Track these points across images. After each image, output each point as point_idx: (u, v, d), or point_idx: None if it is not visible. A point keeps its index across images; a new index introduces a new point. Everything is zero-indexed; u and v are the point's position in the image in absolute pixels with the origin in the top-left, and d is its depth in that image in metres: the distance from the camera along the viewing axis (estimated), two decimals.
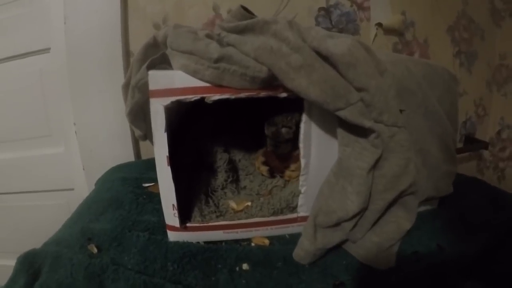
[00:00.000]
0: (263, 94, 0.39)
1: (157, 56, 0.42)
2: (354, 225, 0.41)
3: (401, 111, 0.42)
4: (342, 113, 0.37)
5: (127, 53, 0.75)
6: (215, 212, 0.47)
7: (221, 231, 0.46)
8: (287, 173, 0.52)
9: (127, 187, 0.59)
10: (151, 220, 0.49)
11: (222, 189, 0.52)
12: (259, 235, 0.46)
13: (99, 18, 0.71)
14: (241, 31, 0.40)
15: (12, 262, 0.41)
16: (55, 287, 0.37)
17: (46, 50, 0.76)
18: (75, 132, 0.77)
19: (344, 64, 0.36)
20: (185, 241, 0.45)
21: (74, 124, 0.77)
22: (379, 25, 0.86)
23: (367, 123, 0.38)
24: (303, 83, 0.36)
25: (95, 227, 0.47)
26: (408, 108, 0.45)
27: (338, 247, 0.43)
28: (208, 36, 0.42)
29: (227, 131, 0.57)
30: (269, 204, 0.47)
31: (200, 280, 0.39)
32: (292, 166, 0.51)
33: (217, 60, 0.37)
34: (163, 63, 0.43)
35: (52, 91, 0.78)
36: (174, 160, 0.42)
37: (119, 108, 0.74)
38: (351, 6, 0.83)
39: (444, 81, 0.52)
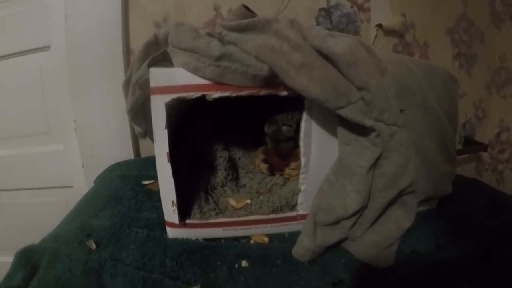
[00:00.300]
0: (263, 92, 0.40)
1: (158, 53, 0.42)
2: (353, 224, 0.41)
3: (401, 110, 0.42)
4: (342, 112, 0.37)
5: (127, 52, 0.75)
6: (215, 209, 0.47)
7: (220, 228, 0.46)
8: (287, 171, 0.52)
9: (126, 184, 0.59)
10: (150, 217, 0.49)
11: (222, 186, 0.52)
12: (258, 233, 0.46)
13: (100, 16, 0.71)
14: (242, 29, 0.40)
15: (9, 259, 0.41)
16: (53, 282, 0.37)
17: (46, 48, 0.76)
18: (75, 129, 0.77)
19: (345, 63, 0.37)
20: (184, 238, 0.45)
21: (74, 121, 0.77)
22: (379, 26, 0.86)
23: (368, 122, 0.38)
24: (304, 82, 0.36)
25: (94, 223, 0.47)
26: (408, 108, 0.45)
27: (337, 245, 0.43)
28: (209, 34, 0.42)
29: (227, 129, 0.58)
30: (269, 202, 0.47)
31: (199, 277, 0.39)
32: (292, 164, 0.51)
33: (219, 58, 0.37)
34: (164, 61, 0.43)
35: (52, 89, 0.78)
36: (174, 157, 0.42)
37: (119, 106, 0.74)
38: (352, 7, 0.84)
39: (444, 82, 0.52)
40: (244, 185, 0.54)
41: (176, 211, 0.43)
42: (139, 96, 0.45)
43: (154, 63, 0.42)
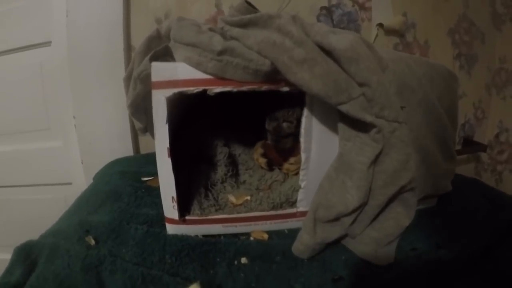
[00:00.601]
0: (265, 87, 0.39)
1: (160, 48, 0.42)
2: (353, 220, 0.41)
3: (401, 107, 0.42)
4: (344, 107, 0.37)
5: (128, 48, 0.75)
6: (214, 205, 0.47)
7: (220, 225, 0.45)
8: (286, 165, 0.52)
9: (125, 180, 0.59)
10: (149, 213, 0.49)
11: (222, 183, 0.52)
12: (258, 230, 0.46)
13: (101, 12, 0.71)
14: (244, 25, 0.40)
15: (7, 256, 0.41)
16: (51, 278, 0.37)
17: (47, 43, 0.76)
18: (75, 125, 0.77)
19: (346, 58, 0.37)
20: (184, 234, 0.45)
21: (74, 117, 0.76)
22: (380, 25, 0.86)
23: (369, 118, 0.38)
24: (305, 77, 0.36)
25: (93, 219, 0.47)
26: (408, 105, 0.45)
27: (337, 242, 0.43)
28: (211, 30, 0.42)
29: (227, 126, 0.57)
30: (269, 198, 0.47)
31: (198, 273, 0.39)
32: (291, 159, 0.51)
33: (221, 53, 0.37)
34: (166, 55, 0.43)
35: (52, 85, 0.78)
36: (174, 152, 0.41)
37: (119, 103, 0.74)
38: (353, 6, 0.84)
39: (444, 80, 0.52)
40: (244, 182, 0.54)
41: (176, 207, 0.43)
42: (140, 91, 0.44)
43: (155, 58, 0.41)
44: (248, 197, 0.48)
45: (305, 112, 0.41)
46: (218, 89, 0.39)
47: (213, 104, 0.48)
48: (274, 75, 0.38)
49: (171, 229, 0.45)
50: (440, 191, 0.52)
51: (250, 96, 0.40)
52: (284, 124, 0.47)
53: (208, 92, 0.39)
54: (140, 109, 0.48)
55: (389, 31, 0.87)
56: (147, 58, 0.42)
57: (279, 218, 0.46)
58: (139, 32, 0.75)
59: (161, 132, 0.40)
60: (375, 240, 0.42)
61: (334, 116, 0.41)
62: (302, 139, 0.42)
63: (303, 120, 0.41)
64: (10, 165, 0.85)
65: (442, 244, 0.44)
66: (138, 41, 0.75)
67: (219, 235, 0.45)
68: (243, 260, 0.41)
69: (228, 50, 0.37)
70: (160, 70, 0.39)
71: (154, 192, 0.54)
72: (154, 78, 0.39)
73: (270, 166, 0.54)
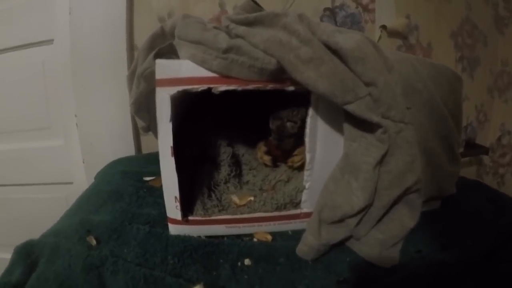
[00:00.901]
0: (270, 86, 0.39)
1: (164, 45, 0.42)
2: (358, 222, 0.41)
3: (407, 108, 0.42)
4: (350, 107, 0.37)
5: (131, 47, 0.75)
6: (218, 206, 0.47)
7: (223, 226, 0.45)
8: (290, 158, 0.51)
9: (127, 180, 0.59)
10: (151, 213, 0.48)
11: (225, 183, 0.51)
12: (261, 231, 0.46)
13: (104, 11, 0.71)
14: (250, 23, 0.39)
15: (8, 255, 0.40)
16: (52, 278, 0.37)
17: (49, 42, 0.76)
18: (76, 124, 0.77)
19: (353, 58, 0.36)
20: (186, 234, 0.44)
21: (75, 116, 0.76)
22: (384, 27, 0.86)
23: (375, 118, 0.37)
24: (312, 76, 0.36)
25: (94, 219, 0.47)
26: (413, 106, 0.44)
27: (342, 243, 0.43)
28: (216, 28, 0.41)
29: (231, 125, 0.57)
30: (273, 199, 0.46)
31: (201, 275, 0.38)
32: (296, 151, 0.50)
33: (226, 51, 0.37)
34: (170, 53, 0.42)
35: (54, 83, 0.78)
36: (177, 152, 0.41)
37: (121, 102, 0.74)
38: (356, 7, 0.84)
39: (448, 81, 0.52)
40: (247, 182, 0.53)
41: (179, 207, 0.43)
42: (144, 89, 0.44)
43: (160, 55, 0.41)
44: (252, 198, 0.47)
45: (310, 112, 0.41)
46: (223, 88, 0.38)
47: (216, 103, 0.47)
48: (279, 74, 0.38)
49: (173, 229, 0.44)
50: (445, 193, 0.52)
51: (254, 95, 0.40)
52: (288, 124, 0.46)
53: (213, 91, 0.38)
54: (143, 108, 0.48)
55: (392, 33, 0.87)
56: (151, 55, 0.41)
57: (283, 219, 0.46)
58: (142, 31, 0.75)
59: (164, 131, 0.40)
60: (380, 241, 0.42)
61: (339, 116, 0.41)
62: (307, 139, 0.42)
63: (308, 120, 0.41)
64: (11, 164, 0.84)
65: (447, 246, 0.44)
66: (141, 40, 0.75)
67: (222, 236, 0.45)
68: (247, 261, 0.40)
69: (234, 48, 0.37)
70: (164, 68, 0.38)
71: (156, 192, 0.54)
72: (158, 75, 0.38)
73: (275, 163, 0.54)
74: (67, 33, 0.71)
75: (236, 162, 0.55)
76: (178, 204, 0.43)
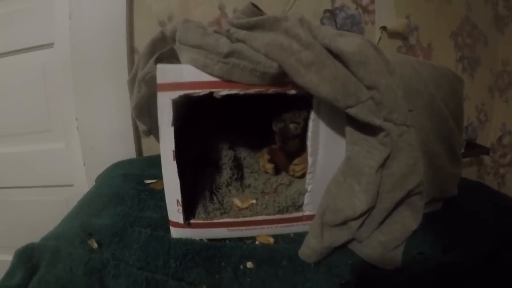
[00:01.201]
0: (272, 90, 0.39)
1: (165, 50, 0.42)
2: (360, 224, 0.41)
3: (409, 111, 0.42)
4: (352, 111, 0.37)
5: (131, 50, 0.75)
6: (220, 209, 0.47)
7: (225, 229, 0.45)
8: (291, 167, 0.51)
9: (128, 183, 0.59)
10: (153, 216, 0.48)
11: (227, 186, 0.51)
12: (263, 233, 0.46)
13: (104, 15, 0.71)
14: (251, 27, 0.39)
15: (8, 257, 0.40)
16: (53, 282, 0.37)
17: (49, 45, 0.76)
18: (77, 127, 0.77)
19: (354, 62, 0.36)
20: (188, 238, 0.44)
21: (76, 119, 0.76)
22: (384, 28, 0.86)
23: (377, 121, 0.37)
24: (313, 80, 0.36)
25: (95, 222, 0.47)
26: (415, 108, 0.44)
27: (344, 246, 0.43)
28: (217, 32, 0.41)
29: (232, 128, 0.57)
30: (275, 202, 0.46)
31: (203, 278, 0.38)
32: (296, 160, 0.51)
33: (227, 55, 0.37)
34: (171, 57, 0.42)
35: (54, 86, 0.78)
36: (179, 155, 0.41)
37: (121, 105, 0.74)
38: (356, 8, 0.84)
39: (450, 83, 0.52)
40: (249, 185, 0.53)
41: (180, 211, 0.43)
42: (145, 93, 0.44)
43: (161, 60, 0.41)
44: (254, 201, 0.47)
45: (312, 115, 0.41)
46: (224, 92, 0.38)
47: (218, 106, 0.47)
48: (281, 78, 0.38)
49: (175, 232, 0.44)
50: (446, 195, 0.52)
51: (256, 98, 0.40)
52: (291, 126, 0.46)
53: (214, 95, 0.38)
54: (145, 112, 0.48)
55: (393, 34, 0.87)
56: (152, 60, 0.41)
57: (285, 222, 0.46)
58: (142, 34, 0.75)
59: (166, 135, 0.40)
60: (382, 244, 0.42)
61: (341, 119, 0.41)
62: (309, 143, 0.42)
63: (310, 123, 0.41)
64: (12, 167, 0.84)
65: (449, 248, 0.44)
66: (141, 43, 0.75)
67: (224, 239, 0.45)
68: (249, 264, 0.40)
69: (235, 52, 0.37)
70: (165, 72, 0.38)
71: (157, 195, 0.54)
72: (160, 80, 0.39)
73: (277, 172, 0.54)
74: (67, 36, 0.71)
75: (238, 165, 0.55)
76: (180, 207, 0.43)
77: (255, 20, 0.39)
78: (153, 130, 0.51)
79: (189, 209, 0.45)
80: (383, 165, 0.39)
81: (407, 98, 0.42)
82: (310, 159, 0.43)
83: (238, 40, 0.39)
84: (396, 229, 0.43)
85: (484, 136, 1.07)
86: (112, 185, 0.59)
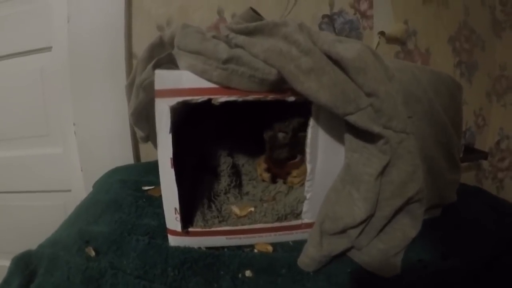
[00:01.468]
0: (271, 97, 0.39)
1: (163, 55, 0.42)
2: (360, 232, 0.41)
3: (408, 117, 0.42)
4: (351, 118, 0.36)
5: (129, 55, 0.75)
6: (218, 217, 0.46)
7: (223, 237, 0.44)
8: (289, 179, 0.51)
9: (126, 190, 0.58)
10: (151, 224, 0.48)
11: (225, 193, 0.51)
12: (262, 242, 0.45)
13: (102, 19, 0.71)
14: (250, 32, 0.39)
15: (6, 263, 0.40)
16: None
17: (47, 49, 0.76)
18: (75, 132, 0.76)
19: (354, 68, 0.36)
20: (186, 246, 0.44)
21: (74, 124, 0.76)
22: (382, 33, 0.86)
23: (376, 129, 0.37)
24: (313, 87, 0.35)
25: (93, 229, 0.46)
26: (414, 115, 0.44)
27: (343, 254, 0.43)
28: (215, 37, 0.41)
29: (231, 135, 0.57)
30: (273, 210, 0.46)
31: (201, 287, 0.38)
32: (294, 172, 0.51)
33: (226, 61, 0.36)
34: (169, 63, 0.42)
35: (52, 91, 0.77)
36: (177, 162, 0.41)
37: (120, 110, 0.73)
38: (355, 14, 0.84)
39: (449, 89, 0.52)
40: (248, 193, 0.53)
41: (178, 219, 0.42)
42: (143, 99, 0.44)
43: (158, 65, 0.41)
44: (252, 209, 0.47)
45: (311, 122, 0.40)
46: (223, 99, 0.38)
47: (216, 112, 0.47)
48: (280, 84, 0.38)
49: (173, 241, 0.44)
50: (446, 201, 0.51)
51: (255, 104, 0.40)
52: (280, 135, 0.46)
53: (213, 102, 0.38)
54: (143, 118, 0.48)
55: (391, 39, 0.87)
56: (150, 66, 0.41)
57: (284, 230, 0.46)
58: (140, 39, 0.75)
59: (164, 142, 0.39)
60: (382, 251, 0.41)
61: (340, 127, 0.40)
62: (307, 150, 0.42)
63: (309, 130, 0.41)
64: (10, 171, 0.83)
65: (448, 254, 0.44)
66: (139, 48, 0.75)
67: (223, 247, 0.44)
68: (248, 273, 0.40)
69: (234, 58, 0.37)
70: (163, 78, 0.38)
71: (155, 202, 0.53)
72: (158, 86, 0.38)
73: (274, 181, 0.53)
74: (65, 40, 0.71)
75: (236, 173, 0.54)
76: (178, 215, 0.42)
77: (254, 26, 0.39)
78: (151, 136, 0.51)
79: (187, 216, 0.45)
80: (382, 172, 0.39)
81: (406, 105, 0.42)
82: (309, 166, 0.42)
83: (237, 46, 0.39)
84: (396, 236, 0.42)
85: (482, 141, 1.08)
86: (110, 192, 0.58)
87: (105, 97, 0.73)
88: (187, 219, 0.45)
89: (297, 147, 0.47)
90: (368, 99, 0.37)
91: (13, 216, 0.87)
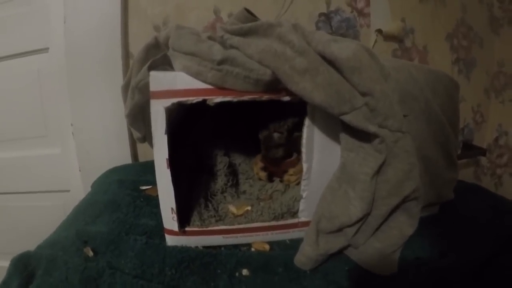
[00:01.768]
0: (266, 97, 0.39)
1: (158, 57, 0.42)
2: (356, 231, 0.41)
3: (404, 116, 0.42)
4: (346, 118, 0.36)
5: (126, 55, 0.75)
6: (215, 216, 0.46)
7: (220, 236, 0.45)
8: (286, 177, 0.51)
9: (124, 189, 0.58)
10: (148, 223, 0.48)
11: (222, 193, 0.51)
12: (259, 240, 0.45)
13: (99, 19, 0.70)
14: (245, 33, 0.39)
15: (5, 263, 0.40)
16: None
17: (44, 50, 0.75)
18: (72, 133, 0.76)
19: (349, 68, 0.36)
20: (184, 245, 0.44)
21: (72, 125, 0.76)
22: (379, 31, 0.86)
23: (372, 128, 0.37)
24: (307, 87, 0.36)
25: (91, 229, 0.46)
26: (411, 113, 0.44)
27: (340, 252, 0.43)
28: (211, 38, 0.41)
29: (227, 135, 0.57)
30: (270, 208, 0.46)
31: (199, 285, 0.38)
32: (290, 170, 0.51)
33: (221, 62, 0.37)
34: (164, 64, 0.42)
35: (49, 91, 0.77)
36: (173, 162, 0.41)
37: (117, 110, 0.73)
38: (352, 12, 0.84)
39: (446, 88, 0.52)
40: (244, 192, 0.53)
41: (175, 218, 0.43)
42: (139, 100, 0.44)
43: (154, 67, 0.41)
44: (249, 208, 0.47)
45: (307, 121, 0.40)
46: (218, 99, 0.38)
47: (212, 113, 0.47)
48: (275, 84, 0.38)
49: (170, 240, 0.44)
50: (443, 199, 0.52)
51: (251, 104, 0.40)
52: (275, 135, 0.46)
53: (208, 102, 0.38)
54: (139, 119, 0.48)
55: (388, 37, 0.87)
56: (145, 67, 0.41)
57: (281, 228, 0.46)
58: (137, 39, 0.75)
59: (160, 143, 0.40)
60: (379, 250, 0.42)
61: (335, 126, 0.41)
62: (303, 149, 0.42)
63: (305, 130, 0.41)
64: (8, 172, 0.84)
65: (445, 252, 0.44)
66: (136, 48, 0.75)
67: (220, 246, 0.45)
68: (245, 271, 0.40)
69: (229, 59, 0.37)
70: (158, 80, 0.38)
71: (153, 202, 0.54)
72: (153, 87, 0.38)
73: (271, 179, 0.54)
74: (62, 41, 0.71)
75: (233, 172, 0.54)
76: (174, 215, 0.42)
77: (249, 26, 0.39)
78: (148, 137, 0.51)
79: (184, 216, 0.45)
80: (378, 171, 0.39)
81: (402, 103, 0.42)
82: (304, 166, 0.42)
83: (231, 47, 0.39)
84: (392, 235, 0.42)
85: (480, 137, 1.07)
86: (108, 192, 0.58)
87: (103, 97, 0.74)
88: (184, 219, 0.45)
89: (293, 146, 0.48)
90: (363, 99, 0.37)
91: (12, 216, 0.88)
